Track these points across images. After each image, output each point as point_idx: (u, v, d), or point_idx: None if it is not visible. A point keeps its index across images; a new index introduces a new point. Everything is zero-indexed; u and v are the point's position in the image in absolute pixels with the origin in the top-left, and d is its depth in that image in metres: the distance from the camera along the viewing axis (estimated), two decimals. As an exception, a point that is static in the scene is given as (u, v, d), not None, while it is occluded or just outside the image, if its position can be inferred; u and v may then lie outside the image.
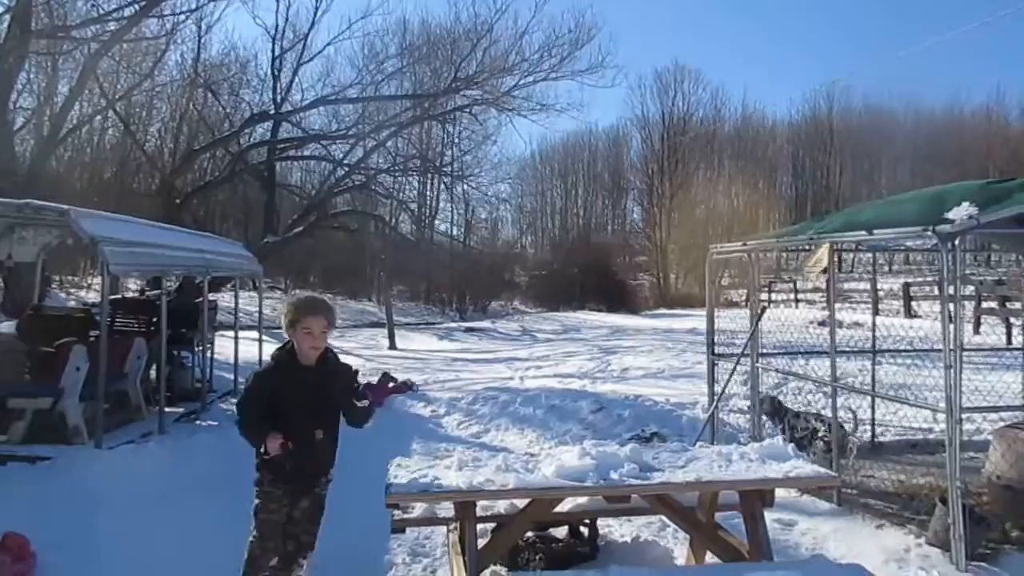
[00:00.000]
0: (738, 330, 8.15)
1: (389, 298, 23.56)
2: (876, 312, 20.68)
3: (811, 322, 12.26)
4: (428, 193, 40.72)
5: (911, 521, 5.47)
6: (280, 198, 28.31)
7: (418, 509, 5.41)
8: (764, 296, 27.73)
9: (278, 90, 25.18)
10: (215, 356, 11.31)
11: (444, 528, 4.93)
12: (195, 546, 4.91)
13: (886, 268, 38.62)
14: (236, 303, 12.33)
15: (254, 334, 13.23)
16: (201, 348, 10.41)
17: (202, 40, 24.45)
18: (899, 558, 4.84)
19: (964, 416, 5.47)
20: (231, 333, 11.77)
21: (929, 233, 5.06)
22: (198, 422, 8.99)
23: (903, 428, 8.38)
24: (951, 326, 4.99)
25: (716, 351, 8.27)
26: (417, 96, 26.57)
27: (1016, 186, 5.63)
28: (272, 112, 24.76)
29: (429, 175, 34.11)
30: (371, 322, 26.56)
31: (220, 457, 7.38)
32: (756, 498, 4.11)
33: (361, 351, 17.44)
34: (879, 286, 27.24)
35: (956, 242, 5.05)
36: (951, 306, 5.09)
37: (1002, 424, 6.21)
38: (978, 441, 6.82)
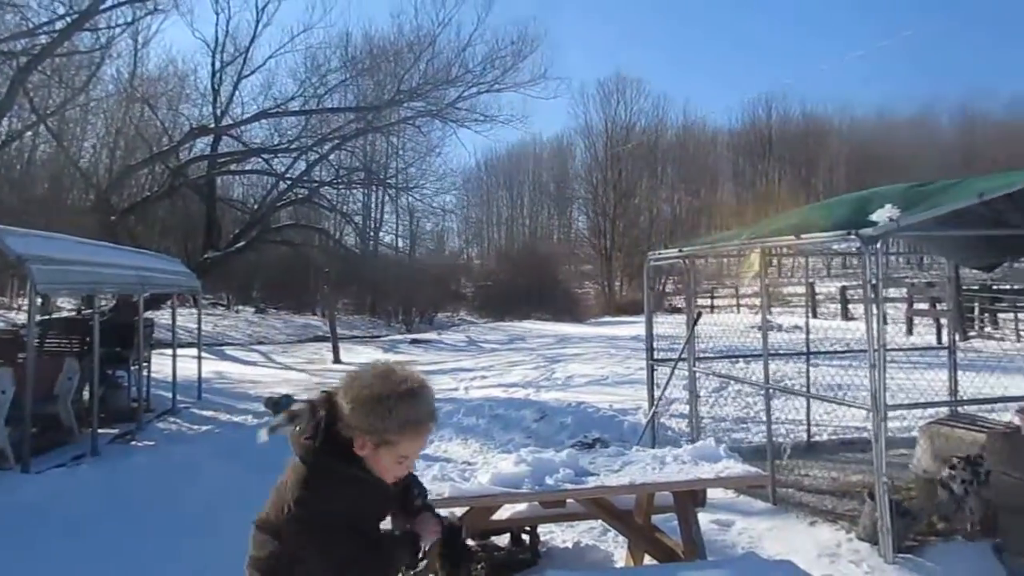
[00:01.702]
0: (680, 336, 8.28)
1: (333, 311, 23.32)
2: (814, 315, 21.20)
3: (752, 326, 12.51)
4: (372, 205, 40.54)
5: (843, 517, 5.63)
6: (221, 212, 27.85)
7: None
8: (707, 302, 28.35)
9: (218, 104, 24.85)
10: (152, 375, 11.08)
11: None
12: (128, 573, 4.79)
13: (824, 272, 39.66)
14: (174, 320, 12.10)
15: (193, 351, 13.02)
16: (137, 367, 10.18)
17: (139, 54, 24.07)
18: (831, 553, 4.97)
19: (894, 414, 5.66)
20: (169, 351, 11.54)
21: (852, 236, 5.22)
22: (134, 443, 8.79)
23: (838, 427, 8.61)
24: (875, 327, 5.15)
25: (656, 356, 8.39)
26: (360, 108, 26.46)
27: (937, 189, 5.84)
28: (212, 126, 24.38)
29: (373, 187, 33.96)
30: (315, 336, 26.26)
31: (157, 478, 7.24)
32: (689, 498, 4.18)
33: (304, 366, 17.24)
34: (818, 290, 28.07)
35: (879, 244, 5.22)
36: (875, 307, 5.24)
37: (929, 420, 6.42)
38: (908, 438, 7.03)
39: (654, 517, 4.60)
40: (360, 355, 19.45)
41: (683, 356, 7.74)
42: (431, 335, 26.52)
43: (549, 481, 3.99)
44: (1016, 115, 51.10)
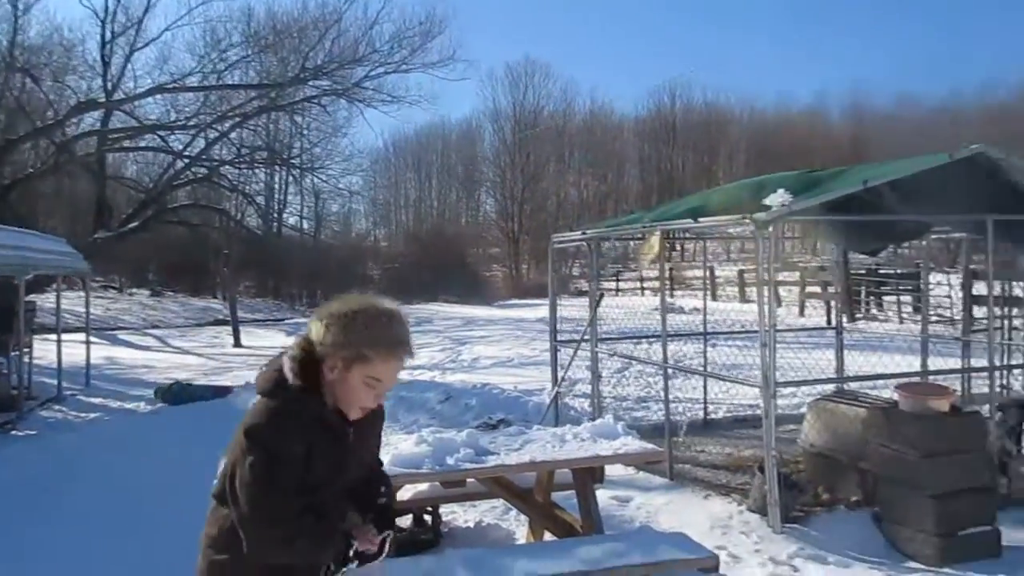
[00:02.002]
0: (584, 318, 8.39)
1: (234, 294, 22.63)
2: (713, 298, 21.87)
3: (654, 309, 12.79)
4: (276, 186, 39.40)
5: (736, 491, 5.84)
6: (113, 191, 26.53)
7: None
8: (612, 285, 28.90)
9: (109, 77, 23.53)
10: (36, 361, 10.51)
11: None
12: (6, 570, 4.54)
13: (724, 257, 40.96)
14: (59, 303, 11.48)
15: (81, 336, 12.40)
16: (18, 352, 9.62)
17: (19, 21, 22.47)
18: (723, 524, 5.15)
19: (785, 391, 5.89)
20: (54, 336, 10.96)
21: (747, 220, 5.39)
22: (14, 432, 8.32)
23: (733, 405, 8.92)
24: (767, 308, 5.34)
25: (560, 338, 8.50)
26: (263, 86, 25.60)
27: (828, 176, 6.09)
28: (102, 100, 23.12)
29: (277, 167, 32.99)
30: (215, 320, 25.44)
31: (38, 468, 6.88)
32: (588, 475, 4.25)
33: (203, 350, 16.69)
34: (718, 273, 29.01)
35: (771, 229, 5.41)
36: (767, 289, 5.44)
37: (816, 397, 6.72)
38: (797, 415, 7.34)
39: (554, 494, 4.66)
40: (262, 339, 18.98)
41: (586, 337, 7.85)
42: (337, 318, 26.07)
43: (450, 461, 3.98)
44: (901, 109, 53.91)
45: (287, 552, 1.91)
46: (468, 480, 4.64)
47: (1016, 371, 7.05)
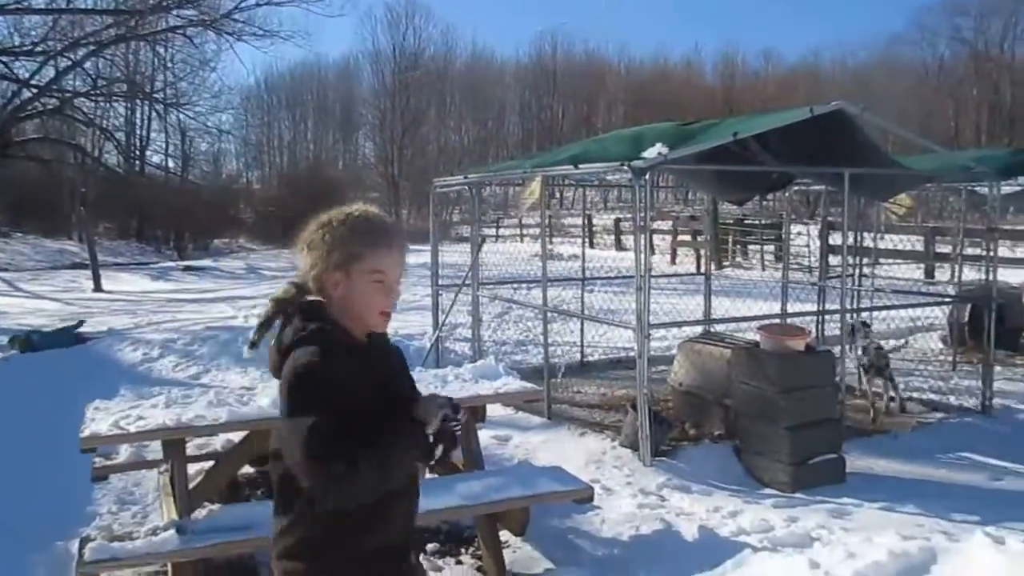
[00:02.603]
0: (466, 264, 8.43)
1: (92, 236, 21.26)
2: (591, 245, 22.38)
3: (534, 255, 12.97)
4: (138, 121, 37.10)
5: (609, 428, 6.11)
6: (-53, 122, 24.20)
7: (124, 454, 5.10)
8: (493, 231, 29.05)
9: (-61, -9, 21.26)
10: None
11: (155, 473, 4.67)
12: None
13: (602, 206, 41.90)
14: None
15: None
16: None
17: None
18: (597, 459, 5.39)
19: (657, 334, 6.14)
20: None
21: (625, 168, 5.53)
22: None
23: (608, 348, 9.25)
24: (642, 254, 5.54)
25: (441, 283, 8.53)
26: (121, 12, 23.70)
27: (700, 128, 6.32)
28: (-69, 18, 20.93)
29: (138, 101, 30.99)
30: (72, 263, 23.92)
31: None
32: (469, 414, 4.33)
33: (60, 295, 15.70)
34: (596, 222, 29.68)
35: (648, 176, 5.59)
36: (643, 236, 5.63)
37: (686, 339, 7.07)
38: (668, 356, 7.70)
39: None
40: (125, 283, 18.04)
41: (467, 282, 7.91)
42: (206, 262, 25.02)
43: (332, 402, 3.96)
44: (770, 66, 56.26)
45: (383, 474, 1.68)
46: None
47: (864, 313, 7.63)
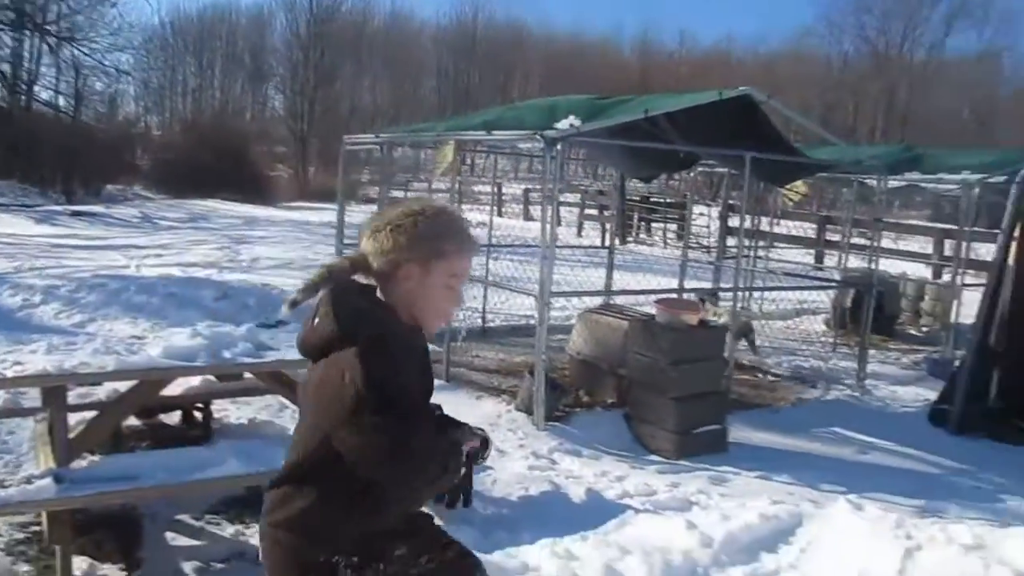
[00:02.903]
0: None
1: (-28, 174, 19.92)
2: (499, 214, 22.44)
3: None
4: (26, 54, 34.62)
5: (506, 392, 6.22)
6: None
7: (-2, 401, 4.87)
8: (402, 194, 28.73)
9: None
10: None
11: (31, 421, 4.47)
12: None
13: (512, 175, 41.97)
14: None
15: None
16: None
17: None
18: (491, 422, 5.48)
19: (558, 303, 6.26)
20: None
21: (538, 137, 5.58)
22: None
23: (510, 315, 9.35)
24: (548, 225, 5.62)
25: (346, 243, 8.40)
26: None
27: (614, 103, 6.42)
28: None
29: (27, 32, 28.98)
30: (-53, 202, 22.36)
31: None
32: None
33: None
34: (505, 191, 29.72)
35: (559, 147, 5.65)
36: (551, 206, 5.71)
37: (585, 309, 7.22)
38: (568, 325, 7.84)
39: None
40: (5, 225, 16.99)
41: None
42: (97, 208, 23.81)
43: (227, 355, 3.88)
44: (685, 48, 57.33)
45: (442, 476, 1.77)
46: (245, 375, 4.57)
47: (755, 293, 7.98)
